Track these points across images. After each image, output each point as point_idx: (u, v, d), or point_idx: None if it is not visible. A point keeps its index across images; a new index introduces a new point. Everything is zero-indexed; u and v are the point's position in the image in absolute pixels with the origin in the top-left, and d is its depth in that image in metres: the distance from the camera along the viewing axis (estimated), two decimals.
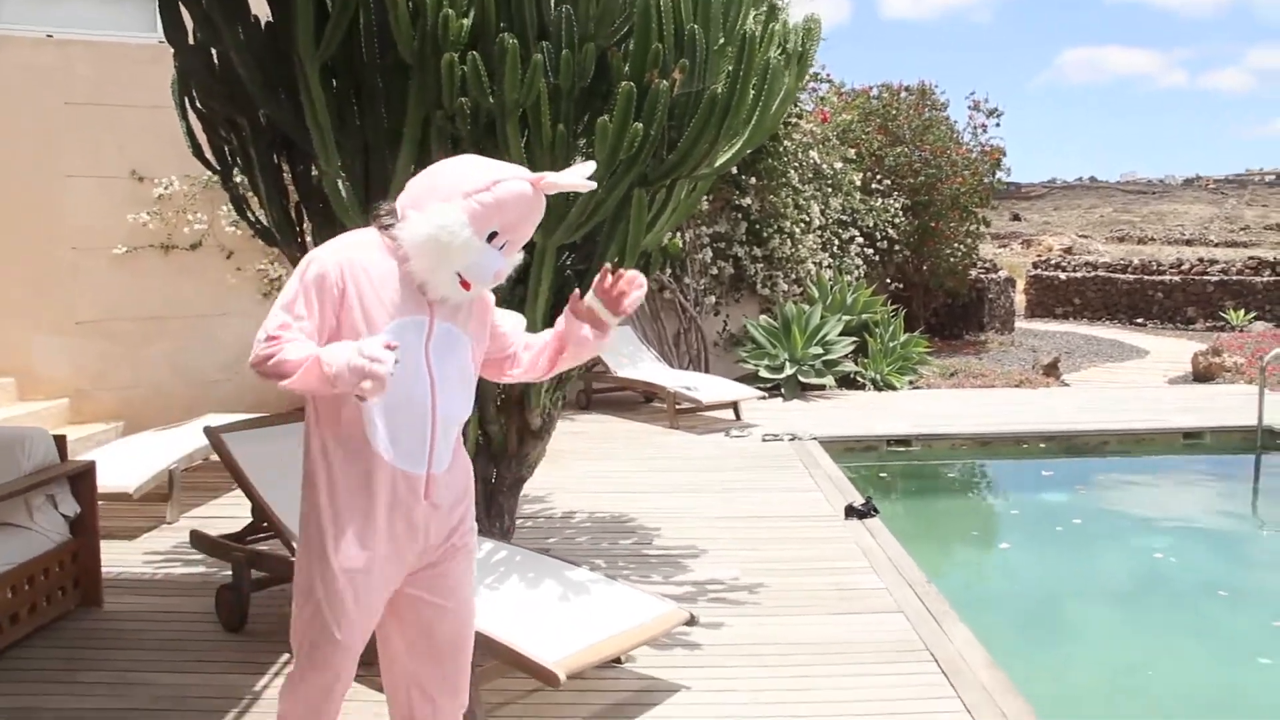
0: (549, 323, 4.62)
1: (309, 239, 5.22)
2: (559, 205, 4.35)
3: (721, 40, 4.48)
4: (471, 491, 2.96)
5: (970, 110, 17.99)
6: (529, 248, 4.45)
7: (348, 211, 4.43)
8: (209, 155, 5.36)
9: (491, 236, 2.68)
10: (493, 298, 2.97)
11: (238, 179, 5.49)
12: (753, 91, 4.52)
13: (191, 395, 8.74)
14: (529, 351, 3.07)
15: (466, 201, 2.66)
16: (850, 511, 6.47)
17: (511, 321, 3.08)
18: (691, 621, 4.11)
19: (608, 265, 2.96)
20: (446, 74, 4.02)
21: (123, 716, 3.72)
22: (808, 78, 14.05)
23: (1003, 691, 3.91)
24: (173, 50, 4.99)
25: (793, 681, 4.06)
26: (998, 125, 19.06)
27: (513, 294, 4.74)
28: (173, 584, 5.25)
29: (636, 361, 10.68)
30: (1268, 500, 8.96)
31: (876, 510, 6.50)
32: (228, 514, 6.28)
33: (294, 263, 5.20)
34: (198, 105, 5.15)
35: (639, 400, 10.90)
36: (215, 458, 6.86)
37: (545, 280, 4.55)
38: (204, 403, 8.55)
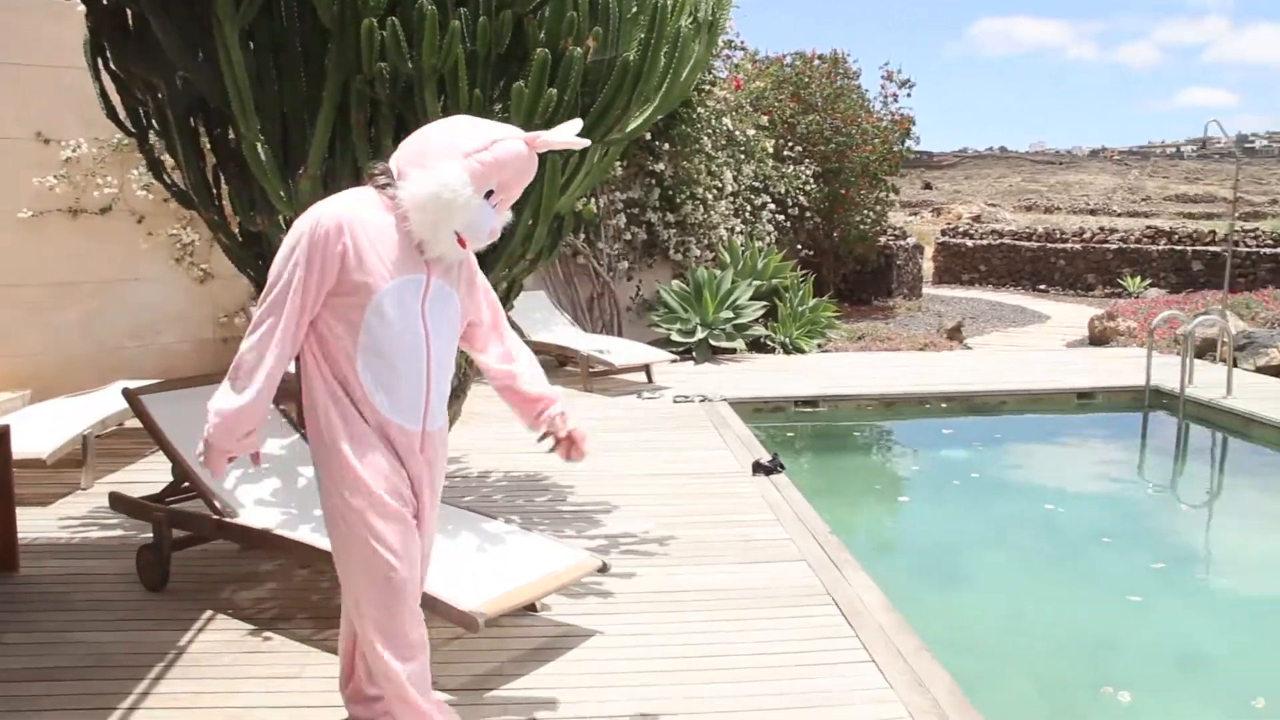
0: None
1: (226, 202, 5.27)
2: None
3: (634, 9, 4.62)
4: (445, 456, 3.16)
5: (883, 80, 18.38)
6: None
7: (267, 175, 4.48)
8: (123, 117, 5.37)
9: (488, 195, 2.82)
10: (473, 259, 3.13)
11: (153, 142, 5.50)
12: (664, 59, 4.67)
13: (102, 361, 8.64)
14: (500, 353, 3.27)
15: (467, 161, 2.78)
16: (757, 468, 6.70)
17: (493, 300, 3.26)
18: (604, 569, 4.29)
19: (573, 431, 3.25)
20: (366, 39, 4.11)
21: (50, 674, 3.75)
22: (720, 45, 14.23)
23: (898, 631, 4.16)
24: (83, 8, 4.97)
25: (703, 625, 4.27)
26: (909, 95, 19.42)
27: None
28: (91, 547, 5.25)
29: (550, 326, 10.81)
30: (1153, 455, 9.43)
31: (783, 467, 6.74)
32: (143, 479, 6.31)
33: (211, 226, 5.26)
34: (111, 66, 5.14)
35: (553, 364, 11.02)
36: (130, 423, 6.93)
37: None
38: (115, 369, 8.48)
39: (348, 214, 2.81)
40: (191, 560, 4.87)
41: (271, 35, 4.57)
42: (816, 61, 17.91)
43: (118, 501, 4.91)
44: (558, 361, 10.94)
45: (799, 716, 3.49)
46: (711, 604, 4.51)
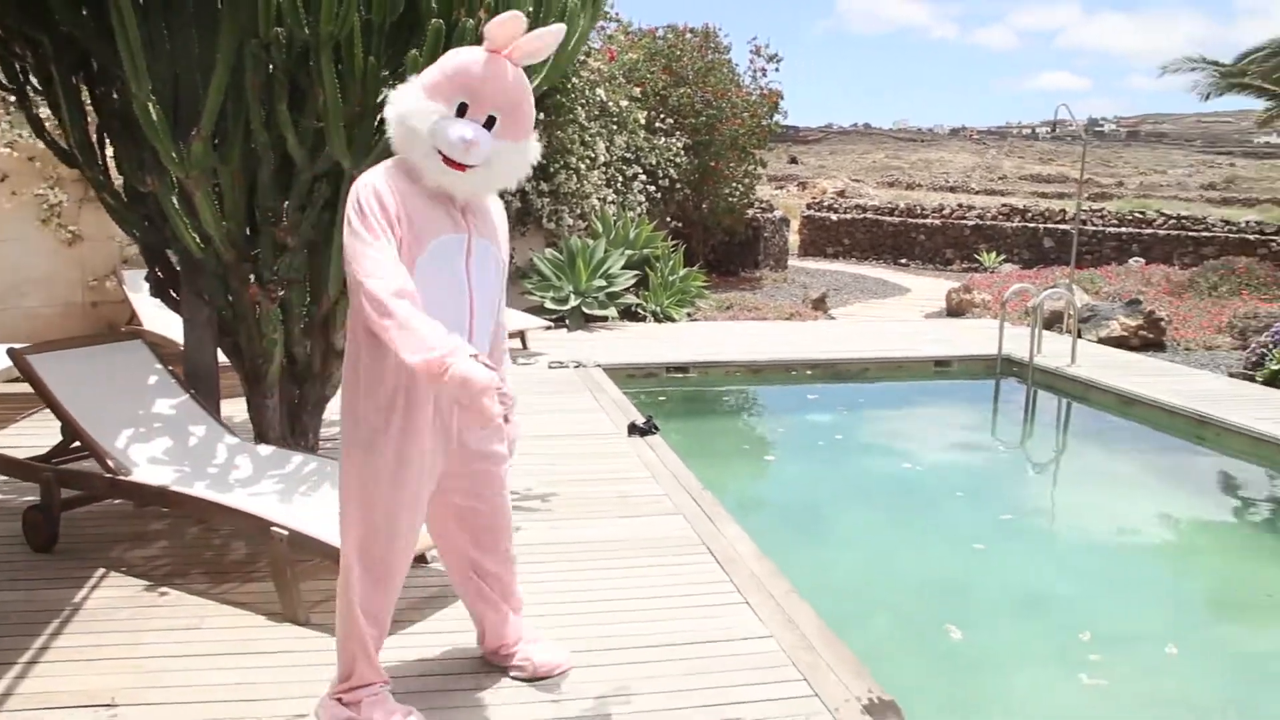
0: None
1: (110, 162, 5.26)
2: (370, 133, 4.59)
3: None
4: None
5: (751, 55, 18.70)
6: (340, 175, 4.70)
7: (159, 136, 4.50)
8: None
9: (463, 110, 2.88)
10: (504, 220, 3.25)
11: (32, 98, 5.43)
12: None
13: None
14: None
15: (419, 81, 2.94)
16: (632, 429, 6.96)
17: None
18: None
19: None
20: (263, 5, 4.18)
21: None
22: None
23: (770, 576, 4.47)
24: None
25: (588, 574, 4.51)
26: (777, 70, 19.82)
27: (321, 218, 4.96)
28: None
29: None
30: (1003, 418, 10.04)
31: (657, 428, 7.01)
32: (24, 442, 6.23)
33: (95, 186, 5.25)
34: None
35: None
36: (3, 388, 6.83)
37: None
38: None
39: (392, 180, 2.91)
40: (78, 521, 4.89)
41: None
42: (688, 35, 18.17)
43: (1, 463, 4.89)
44: None
45: (683, 652, 3.76)
46: (595, 555, 4.75)
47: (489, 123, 2.91)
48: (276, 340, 5.16)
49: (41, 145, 8.33)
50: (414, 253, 2.90)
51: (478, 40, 4.56)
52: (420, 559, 4.44)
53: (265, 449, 4.89)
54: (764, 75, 18.61)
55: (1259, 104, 16.66)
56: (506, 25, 2.88)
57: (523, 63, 2.98)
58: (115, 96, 5.09)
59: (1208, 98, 16.75)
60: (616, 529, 5.10)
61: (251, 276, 5.00)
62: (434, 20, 4.28)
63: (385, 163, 3.02)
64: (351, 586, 3.12)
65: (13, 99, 5.46)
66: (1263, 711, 4.32)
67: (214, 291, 5.10)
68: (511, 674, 3.53)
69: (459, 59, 2.92)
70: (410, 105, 2.89)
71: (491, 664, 3.59)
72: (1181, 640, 4.89)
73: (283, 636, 3.82)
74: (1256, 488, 7.63)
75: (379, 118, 4.38)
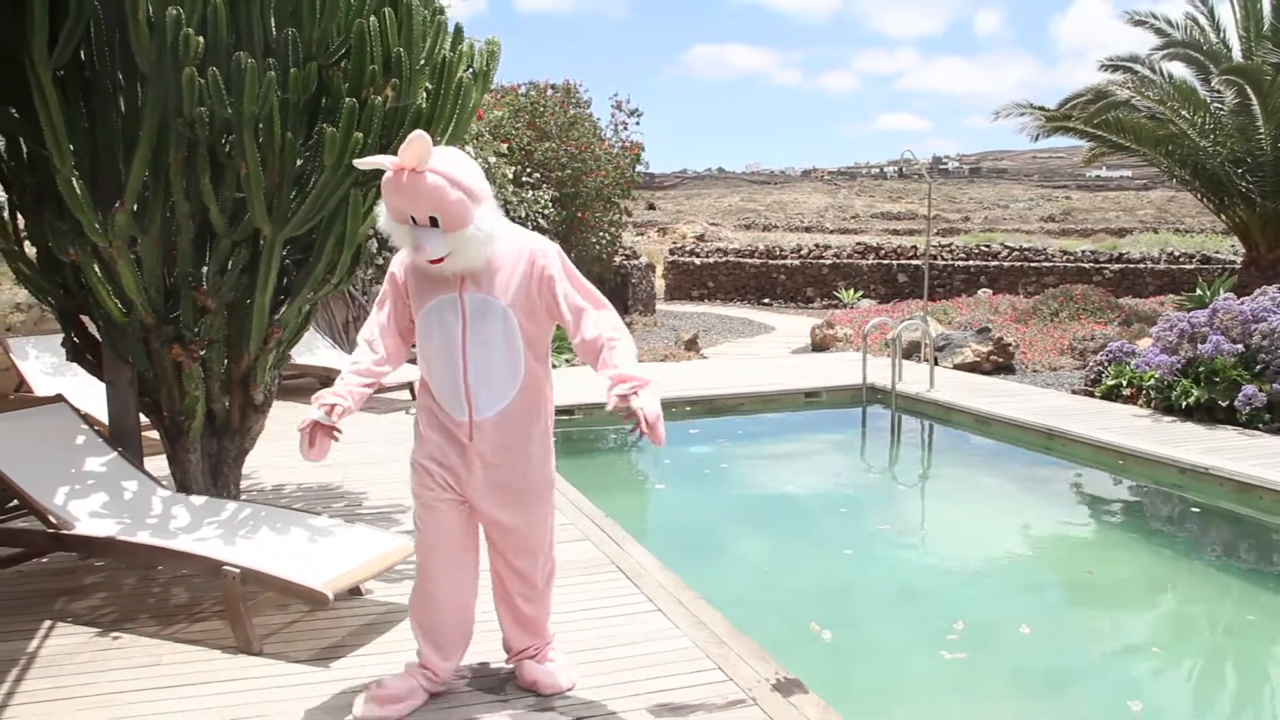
0: (275, 306, 5.24)
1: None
2: (287, 202, 4.96)
3: (422, 62, 5.22)
4: (530, 445, 3.68)
5: (613, 110, 19.41)
6: (256, 240, 5.06)
7: (82, 207, 4.78)
8: None
9: (413, 220, 3.40)
10: (554, 270, 3.54)
11: None
12: (450, 106, 5.30)
13: None
14: (579, 342, 3.58)
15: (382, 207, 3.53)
16: None
17: (575, 304, 3.58)
18: None
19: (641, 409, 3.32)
20: (187, 86, 4.53)
21: None
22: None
23: (675, 586, 4.95)
24: None
25: None
26: (638, 124, 20.57)
27: (240, 281, 5.29)
28: None
29: (313, 349, 11.12)
30: (870, 441, 10.78)
31: None
32: None
33: (8, 256, 5.47)
34: None
35: (316, 386, 11.31)
36: None
37: (272, 268, 5.12)
38: None
39: (402, 257, 3.65)
40: (11, 580, 5.08)
41: (79, 75, 4.92)
42: (550, 91, 18.78)
43: None
44: (320, 383, 11.22)
45: (610, 654, 4.20)
46: None
47: (435, 221, 3.37)
48: (199, 397, 5.45)
49: None
50: (416, 310, 3.63)
51: (386, 115, 5.02)
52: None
53: (198, 499, 5.17)
54: (625, 128, 19.33)
55: (1087, 143, 17.98)
56: (409, 148, 3.29)
57: (420, 166, 3.32)
58: (31, 171, 5.32)
59: (1036, 139, 17.99)
60: None
61: (174, 338, 5.30)
62: (347, 99, 4.70)
63: None
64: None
65: None
66: (1093, 665, 5.00)
67: (136, 354, 5.38)
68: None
69: (383, 188, 3.44)
70: (384, 226, 3.52)
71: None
72: (1032, 620, 5.55)
73: (241, 666, 4.12)
74: (1098, 488, 8.45)
75: (295, 189, 4.83)
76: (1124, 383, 10.61)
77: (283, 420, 9.65)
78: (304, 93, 4.85)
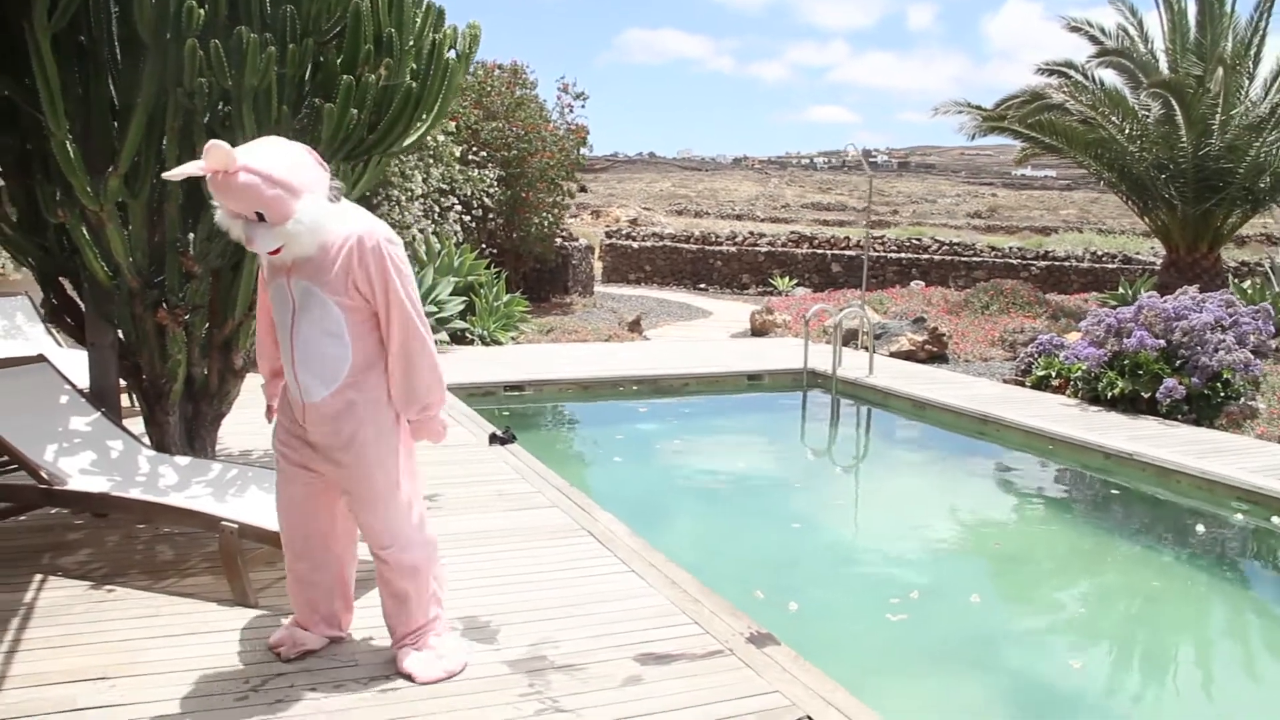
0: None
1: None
2: None
3: (411, 42, 5.40)
4: (358, 427, 3.69)
5: (559, 92, 19.56)
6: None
7: (75, 171, 4.89)
8: None
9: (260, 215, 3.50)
10: (372, 264, 3.58)
11: None
12: (438, 86, 5.49)
13: None
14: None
15: None
16: (493, 439, 7.59)
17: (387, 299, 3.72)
18: None
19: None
20: (189, 57, 4.67)
21: None
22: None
23: (645, 549, 5.22)
24: None
25: (489, 557, 5.14)
26: (583, 106, 20.74)
27: (226, 248, 5.43)
28: None
29: None
30: (811, 422, 11.19)
31: (514, 437, 7.66)
32: None
33: None
34: None
35: None
36: None
37: None
38: None
39: None
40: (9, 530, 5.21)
41: (77, 44, 5.03)
42: (497, 71, 18.86)
43: None
44: None
45: (589, 610, 4.45)
46: (488, 542, 5.38)
47: (261, 216, 3.50)
48: (181, 361, 5.59)
49: None
50: (262, 287, 3.90)
51: (381, 94, 5.20)
52: None
53: (182, 459, 5.32)
54: (570, 111, 19.49)
55: (1017, 143, 18.53)
56: (209, 156, 3.41)
57: (230, 168, 3.41)
58: (14, 133, 5.40)
59: (973, 138, 18.50)
60: (503, 520, 5.75)
61: (159, 303, 5.43)
62: (344, 77, 4.87)
63: None
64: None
65: None
66: (1025, 627, 5.37)
67: (121, 317, 5.50)
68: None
69: (210, 188, 3.56)
70: (222, 223, 3.58)
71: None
72: (965, 586, 5.92)
73: (239, 617, 4.30)
74: (1028, 471, 8.88)
75: None
76: (1053, 374, 11.10)
77: (250, 388, 9.79)
78: (300, 68, 5.01)
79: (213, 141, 3.37)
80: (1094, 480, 8.39)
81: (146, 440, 5.77)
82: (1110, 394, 10.04)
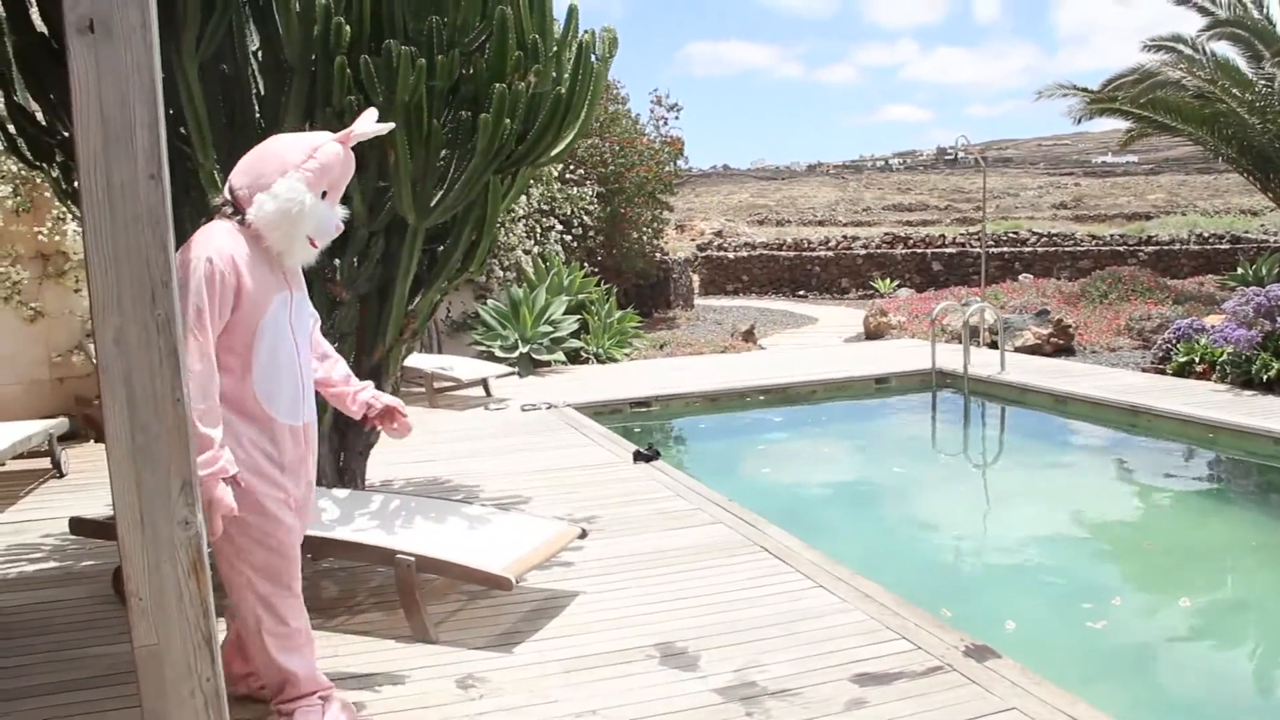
0: (410, 296, 5.23)
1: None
2: (430, 191, 4.96)
3: (555, 49, 5.22)
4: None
5: (653, 105, 19.40)
6: (401, 228, 5.07)
7: None
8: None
9: (324, 195, 3.27)
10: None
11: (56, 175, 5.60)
12: (584, 91, 5.30)
13: None
14: (320, 353, 3.65)
15: (299, 172, 3.19)
16: (638, 456, 7.37)
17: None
18: (583, 535, 4.86)
19: (389, 402, 3.72)
20: (338, 75, 4.54)
21: (77, 684, 3.91)
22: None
23: (827, 563, 4.95)
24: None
25: (666, 579, 4.90)
26: (677, 118, 20.52)
27: (375, 272, 5.30)
28: (30, 580, 5.27)
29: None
30: (948, 424, 10.81)
31: (659, 454, 7.43)
32: (38, 515, 6.40)
33: None
34: (15, 98, 5.22)
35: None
36: (10, 464, 6.93)
37: (414, 257, 5.14)
38: None
39: (228, 249, 3.08)
40: None
41: (220, 72, 4.93)
42: None
43: (80, 526, 5.05)
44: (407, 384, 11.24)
45: (787, 629, 4.19)
46: (662, 562, 5.14)
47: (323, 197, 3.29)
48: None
49: (0, 223, 8.48)
50: (254, 319, 3.17)
51: (531, 103, 5.02)
52: None
53: (341, 491, 5.17)
54: (665, 124, 19.31)
55: (1113, 124, 17.96)
56: (364, 126, 3.34)
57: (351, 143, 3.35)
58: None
59: (1079, 121, 17.95)
60: (668, 539, 5.51)
61: None
62: (498, 85, 4.70)
63: (222, 229, 3.16)
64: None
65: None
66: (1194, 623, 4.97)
67: None
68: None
69: (330, 153, 3.26)
70: (297, 197, 3.16)
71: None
72: (1192, 591, 5.53)
73: (423, 654, 4.10)
74: (1188, 461, 8.46)
75: (438, 176, 4.82)
76: (1196, 359, 10.60)
77: None
78: (449, 80, 4.85)
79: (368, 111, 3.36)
80: (1266, 468, 7.91)
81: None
82: (1265, 376, 9.53)
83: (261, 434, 3.23)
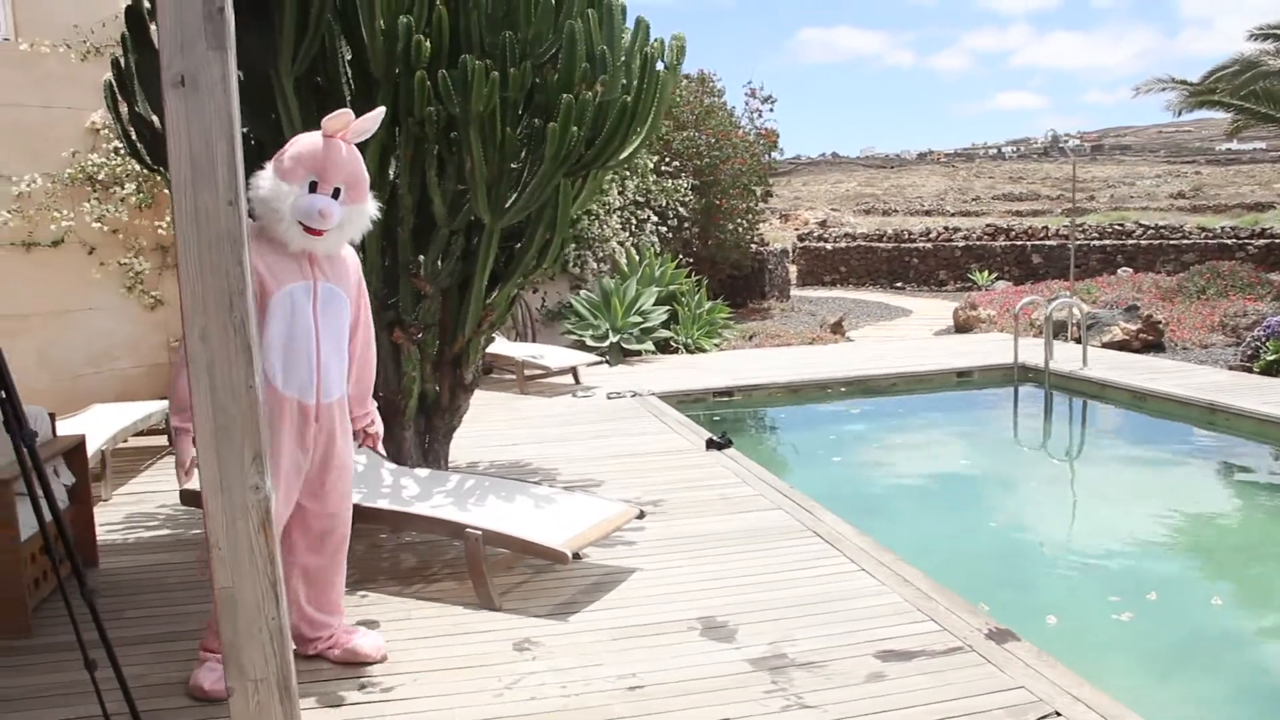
0: (489, 291, 5.61)
1: None
2: (504, 193, 5.34)
3: (622, 58, 5.55)
4: (348, 423, 3.95)
5: (747, 97, 19.61)
6: (480, 228, 5.44)
7: None
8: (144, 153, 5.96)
9: (314, 186, 3.60)
10: (359, 269, 3.91)
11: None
12: (650, 98, 5.62)
13: (59, 389, 9.06)
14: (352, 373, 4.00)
15: (272, 165, 3.64)
16: (710, 444, 7.69)
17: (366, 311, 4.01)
18: (641, 516, 5.21)
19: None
20: (419, 88, 4.93)
21: (194, 634, 4.45)
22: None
23: (874, 549, 5.21)
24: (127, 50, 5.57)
25: (719, 559, 5.22)
26: (771, 110, 20.68)
27: (456, 268, 5.70)
28: (147, 545, 5.81)
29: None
30: (1026, 419, 10.88)
31: (731, 442, 7.73)
32: (155, 488, 6.95)
33: None
34: (137, 109, 5.73)
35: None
36: (133, 440, 7.51)
37: (491, 254, 5.53)
38: (73, 396, 8.90)
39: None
40: None
41: (315, 85, 5.36)
42: (685, 81, 19.02)
43: (191, 497, 5.52)
44: (485, 369, 11.70)
45: (823, 608, 4.48)
46: (718, 544, 5.46)
47: (336, 193, 3.64)
48: (415, 378, 5.88)
49: (125, 218, 9.06)
50: (266, 296, 3.57)
51: (598, 111, 5.36)
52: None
53: (421, 471, 5.59)
54: (759, 116, 19.50)
55: (1222, 116, 17.58)
56: (336, 119, 3.63)
57: (355, 140, 3.71)
58: None
59: (1179, 114, 17.67)
60: (728, 523, 5.82)
61: (394, 323, 5.73)
62: (564, 95, 5.05)
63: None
64: None
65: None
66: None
67: None
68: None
69: (301, 145, 3.65)
70: (267, 185, 3.58)
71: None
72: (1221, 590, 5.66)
73: (487, 619, 4.49)
74: (1264, 461, 8.44)
75: (512, 179, 5.18)
76: None
77: (473, 403, 10.21)
78: (521, 90, 5.21)
79: (341, 110, 3.63)
80: None
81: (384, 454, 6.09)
82: None
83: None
